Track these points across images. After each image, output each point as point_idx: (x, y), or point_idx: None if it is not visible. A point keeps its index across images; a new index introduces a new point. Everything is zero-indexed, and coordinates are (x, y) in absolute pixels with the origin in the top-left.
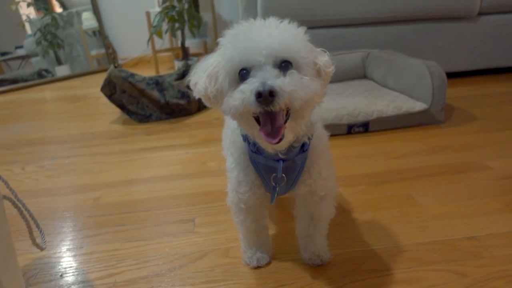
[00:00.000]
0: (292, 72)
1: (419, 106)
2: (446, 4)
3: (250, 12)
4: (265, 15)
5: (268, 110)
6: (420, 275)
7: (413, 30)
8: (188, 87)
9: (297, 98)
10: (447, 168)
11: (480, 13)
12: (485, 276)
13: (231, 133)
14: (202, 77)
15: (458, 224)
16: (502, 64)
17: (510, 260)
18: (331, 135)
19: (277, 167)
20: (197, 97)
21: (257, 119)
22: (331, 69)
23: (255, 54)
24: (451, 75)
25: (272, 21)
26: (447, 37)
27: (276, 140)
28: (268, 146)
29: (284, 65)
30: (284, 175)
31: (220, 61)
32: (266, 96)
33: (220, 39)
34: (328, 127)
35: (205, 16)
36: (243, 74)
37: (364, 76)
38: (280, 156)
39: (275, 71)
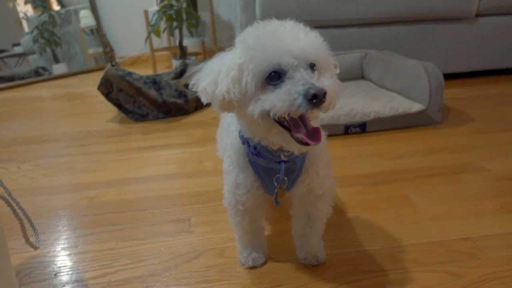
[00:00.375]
0: (329, 74)
1: (416, 107)
2: (443, 6)
3: (249, 11)
4: (264, 15)
5: (308, 112)
6: (415, 276)
7: (411, 31)
8: (187, 86)
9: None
10: (444, 169)
11: (478, 15)
12: (480, 277)
13: (225, 135)
14: (223, 81)
15: (454, 225)
16: (499, 66)
17: (505, 262)
18: (328, 135)
19: (277, 169)
20: (205, 102)
21: (279, 124)
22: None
23: (289, 56)
24: (448, 76)
25: (293, 23)
26: (445, 38)
27: (319, 141)
28: (295, 148)
29: (310, 67)
30: (285, 176)
31: (243, 62)
32: (321, 97)
33: (241, 40)
34: (325, 127)
35: (203, 15)
36: (272, 76)
37: (362, 77)
38: (283, 158)
39: (312, 73)
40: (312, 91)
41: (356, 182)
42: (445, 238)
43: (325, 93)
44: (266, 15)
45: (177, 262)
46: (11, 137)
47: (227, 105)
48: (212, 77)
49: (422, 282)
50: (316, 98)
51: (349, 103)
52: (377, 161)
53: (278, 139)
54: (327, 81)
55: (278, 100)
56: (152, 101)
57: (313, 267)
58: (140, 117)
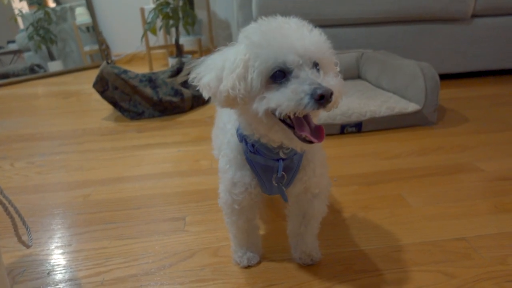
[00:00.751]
0: (333, 73)
1: (411, 107)
2: (440, 6)
3: (245, 10)
4: (260, 13)
5: (312, 111)
6: (410, 275)
7: (407, 31)
8: (183, 85)
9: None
10: (439, 169)
11: (474, 16)
12: (473, 277)
13: (221, 133)
14: (228, 77)
15: (448, 225)
16: (495, 66)
17: (498, 261)
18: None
19: (275, 167)
20: (207, 97)
21: (282, 121)
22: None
23: (294, 55)
24: (444, 77)
25: (297, 20)
26: (441, 38)
27: (323, 139)
28: (298, 145)
29: (314, 65)
30: (284, 173)
31: (248, 59)
32: (327, 98)
33: (246, 36)
34: None
35: (200, 13)
36: (277, 74)
37: (358, 77)
38: (282, 155)
39: (318, 73)
40: (319, 91)
41: (351, 181)
42: (439, 238)
43: (331, 93)
44: (263, 14)
45: (171, 261)
46: (5, 134)
47: (231, 102)
48: (216, 73)
49: (416, 281)
50: (323, 98)
51: (346, 102)
52: (372, 161)
53: (280, 137)
54: (332, 81)
55: (285, 99)
56: (148, 99)
57: (308, 267)
58: (135, 115)
